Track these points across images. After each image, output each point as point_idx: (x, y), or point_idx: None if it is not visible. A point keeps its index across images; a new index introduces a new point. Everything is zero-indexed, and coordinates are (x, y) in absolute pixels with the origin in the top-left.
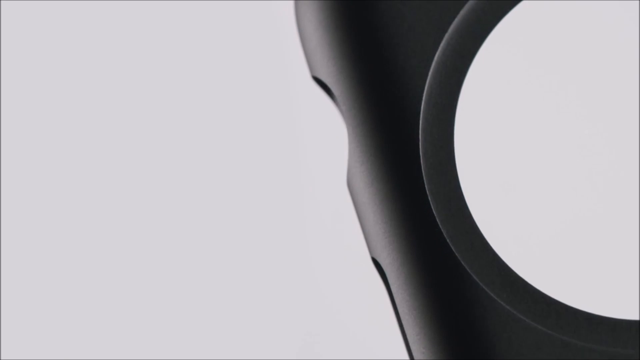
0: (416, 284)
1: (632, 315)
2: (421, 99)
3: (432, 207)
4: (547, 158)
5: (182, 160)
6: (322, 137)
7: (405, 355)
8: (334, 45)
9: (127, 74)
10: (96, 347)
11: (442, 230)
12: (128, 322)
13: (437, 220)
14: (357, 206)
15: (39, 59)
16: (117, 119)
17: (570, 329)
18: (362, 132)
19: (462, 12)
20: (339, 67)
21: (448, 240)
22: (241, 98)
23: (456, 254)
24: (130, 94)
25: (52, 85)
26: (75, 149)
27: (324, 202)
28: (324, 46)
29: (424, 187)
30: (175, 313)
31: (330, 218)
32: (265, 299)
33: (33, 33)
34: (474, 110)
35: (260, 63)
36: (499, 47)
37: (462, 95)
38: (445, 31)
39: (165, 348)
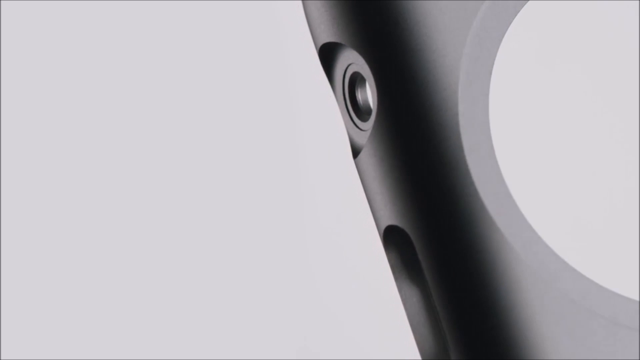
0: (450, 250)
1: None
2: (458, 66)
3: (472, 175)
4: (586, 126)
5: (181, 161)
6: (321, 137)
7: (403, 355)
8: (366, 9)
9: (126, 74)
10: (96, 347)
11: (482, 200)
12: (128, 322)
13: (477, 188)
14: (374, 175)
15: (39, 59)
16: (116, 117)
17: (614, 313)
18: (395, 98)
19: None
20: (371, 32)
21: (488, 210)
22: (240, 97)
23: (498, 226)
24: (128, 94)
25: (52, 85)
26: (75, 148)
27: (323, 203)
28: (351, 10)
29: (462, 151)
30: (175, 313)
31: (330, 219)
32: (264, 300)
33: (33, 33)
34: (508, 78)
35: (260, 61)
36: (538, 14)
37: (497, 60)
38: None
39: (165, 348)
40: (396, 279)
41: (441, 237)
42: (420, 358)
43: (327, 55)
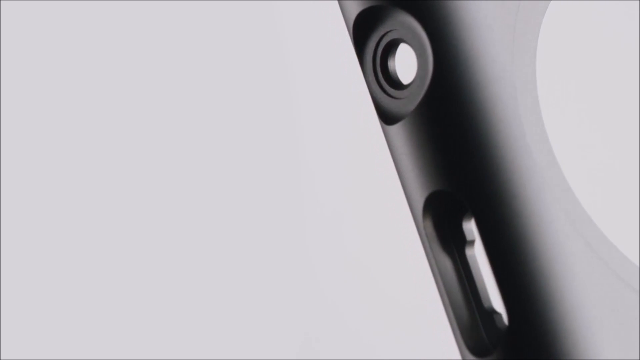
0: (505, 213)
1: None
2: (512, 38)
3: (531, 146)
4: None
5: (182, 161)
6: (322, 137)
7: (404, 355)
8: None
9: (127, 74)
10: (96, 347)
11: (538, 167)
12: (128, 322)
13: (534, 159)
14: (421, 141)
15: (39, 59)
16: (117, 118)
17: None
18: (451, 64)
19: None
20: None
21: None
22: (240, 95)
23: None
24: (129, 94)
25: (52, 86)
26: (76, 149)
27: (324, 201)
28: None
29: (518, 118)
30: (176, 313)
31: (330, 217)
32: (265, 299)
33: (33, 33)
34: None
35: (261, 62)
36: None
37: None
38: None
39: (166, 348)
40: (431, 248)
41: (497, 201)
42: (451, 328)
43: (362, 23)
